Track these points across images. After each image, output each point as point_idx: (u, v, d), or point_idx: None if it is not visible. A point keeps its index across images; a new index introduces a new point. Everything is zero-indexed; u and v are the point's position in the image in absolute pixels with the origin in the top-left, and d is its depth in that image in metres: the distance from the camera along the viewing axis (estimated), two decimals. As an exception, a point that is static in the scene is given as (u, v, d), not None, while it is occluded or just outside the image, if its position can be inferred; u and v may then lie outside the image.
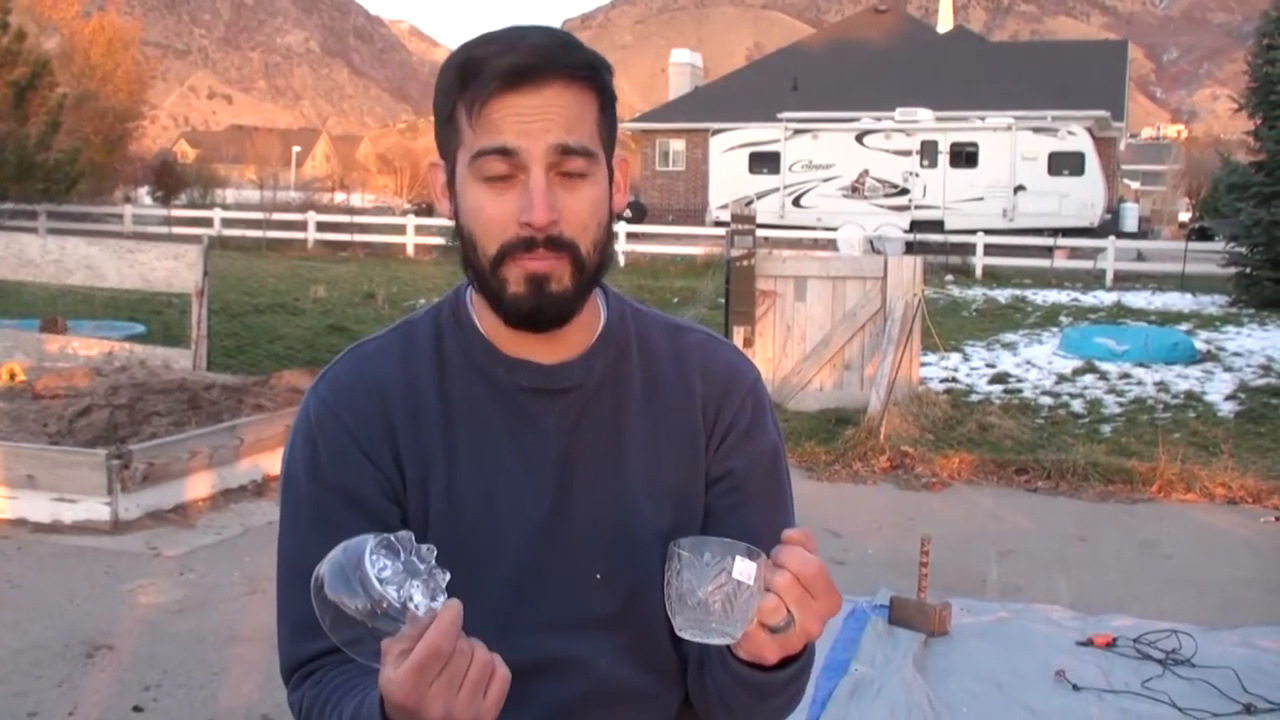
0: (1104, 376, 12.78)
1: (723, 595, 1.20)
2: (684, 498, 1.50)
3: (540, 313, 1.38)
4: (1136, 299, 22.58)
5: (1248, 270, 21.97)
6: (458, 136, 1.39)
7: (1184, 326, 17.25)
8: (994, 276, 27.00)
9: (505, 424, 1.45)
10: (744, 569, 1.21)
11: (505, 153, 1.34)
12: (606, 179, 1.42)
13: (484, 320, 1.48)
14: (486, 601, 1.40)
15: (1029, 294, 23.23)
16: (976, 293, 23.26)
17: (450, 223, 1.43)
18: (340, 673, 1.38)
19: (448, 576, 1.17)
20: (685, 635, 1.23)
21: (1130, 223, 36.75)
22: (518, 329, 1.42)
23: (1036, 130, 33.42)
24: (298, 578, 1.42)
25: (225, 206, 39.71)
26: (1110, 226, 32.66)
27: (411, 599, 1.13)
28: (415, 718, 1.14)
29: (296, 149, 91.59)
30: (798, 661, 1.33)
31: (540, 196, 1.33)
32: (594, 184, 1.39)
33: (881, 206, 33.89)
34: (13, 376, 9.65)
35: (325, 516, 1.42)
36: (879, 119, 35.29)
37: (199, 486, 7.56)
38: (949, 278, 25.97)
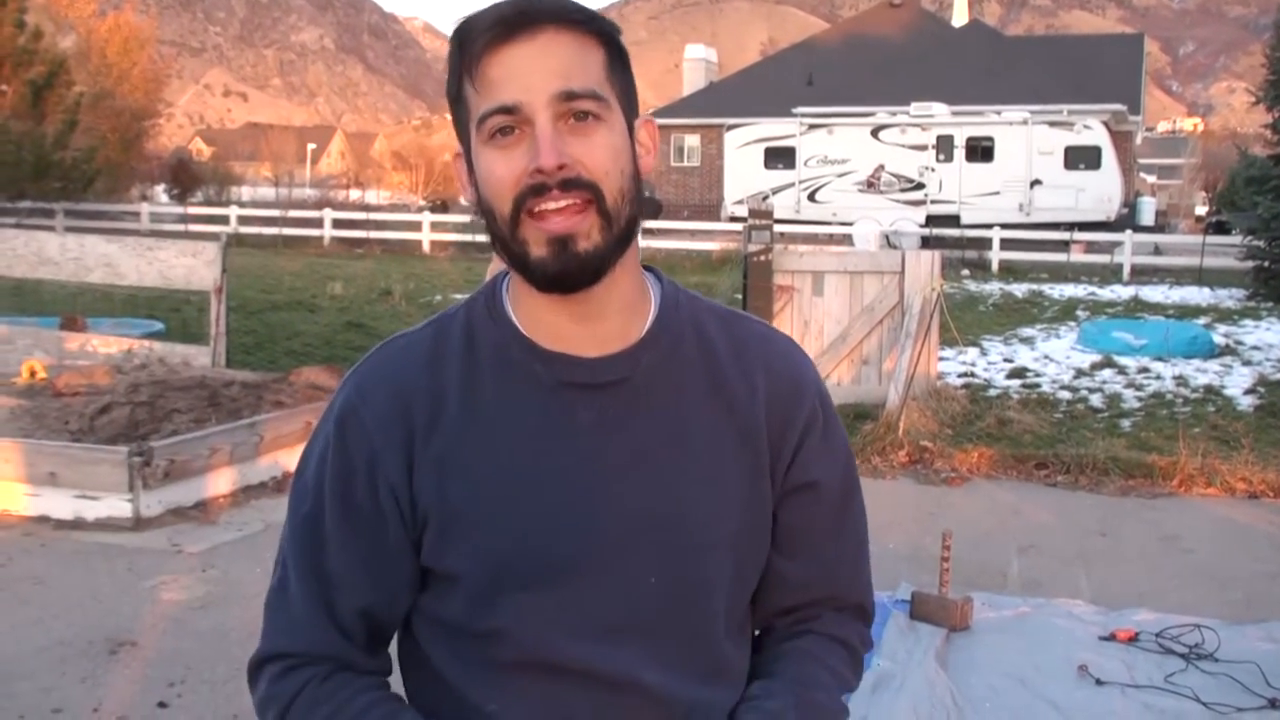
0: (1123, 371, 12.75)
1: None
2: (749, 499, 1.43)
3: (567, 275, 1.32)
4: (1154, 293, 22.51)
5: (1266, 264, 21.87)
6: (467, 109, 1.35)
7: (1202, 320, 17.20)
8: (1011, 271, 26.95)
9: (544, 421, 1.38)
10: None
11: (508, 110, 1.30)
12: (625, 130, 1.36)
13: (520, 312, 1.42)
14: (529, 606, 1.36)
15: (1046, 288, 23.17)
16: (993, 287, 23.22)
17: (469, 217, 1.38)
18: (348, 685, 1.39)
19: None
20: None
21: (1147, 217, 36.60)
22: (547, 292, 1.35)
23: (1052, 124, 33.31)
24: (288, 573, 1.44)
25: (241, 204, 39.80)
26: (1127, 220, 32.53)
27: None
28: None
29: (312, 146, 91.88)
30: None
31: (546, 141, 1.29)
32: (610, 129, 1.33)
33: (897, 201, 33.82)
34: (33, 374, 9.68)
35: (324, 518, 1.42)
36: (894, 114, 35.22)
37: (220, 483, 7.59)
38: (965, 272, 25.93)
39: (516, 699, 1.39)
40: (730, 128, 37.96)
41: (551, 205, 1.30)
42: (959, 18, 64.18)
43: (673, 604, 1.40)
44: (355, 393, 1.44)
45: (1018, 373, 12.68)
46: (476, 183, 1.37)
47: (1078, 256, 28.06)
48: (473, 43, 1.32)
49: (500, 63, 1.31)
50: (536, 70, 1.30)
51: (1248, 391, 11.69)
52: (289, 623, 1.42)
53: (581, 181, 1.30)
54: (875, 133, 34.67)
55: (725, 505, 1.42)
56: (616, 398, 1.40)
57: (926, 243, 28.24)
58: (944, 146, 33.93)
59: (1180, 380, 12.15)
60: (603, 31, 1.36)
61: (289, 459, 8.01)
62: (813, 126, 35.58)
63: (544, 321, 1.40)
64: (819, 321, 10.95)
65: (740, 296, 11.15)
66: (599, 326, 1.40)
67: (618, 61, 1.37)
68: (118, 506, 7.01)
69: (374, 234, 32.86)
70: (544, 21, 1.31)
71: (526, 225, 1.31)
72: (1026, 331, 16.27)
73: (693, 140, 44.44)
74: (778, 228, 13.80)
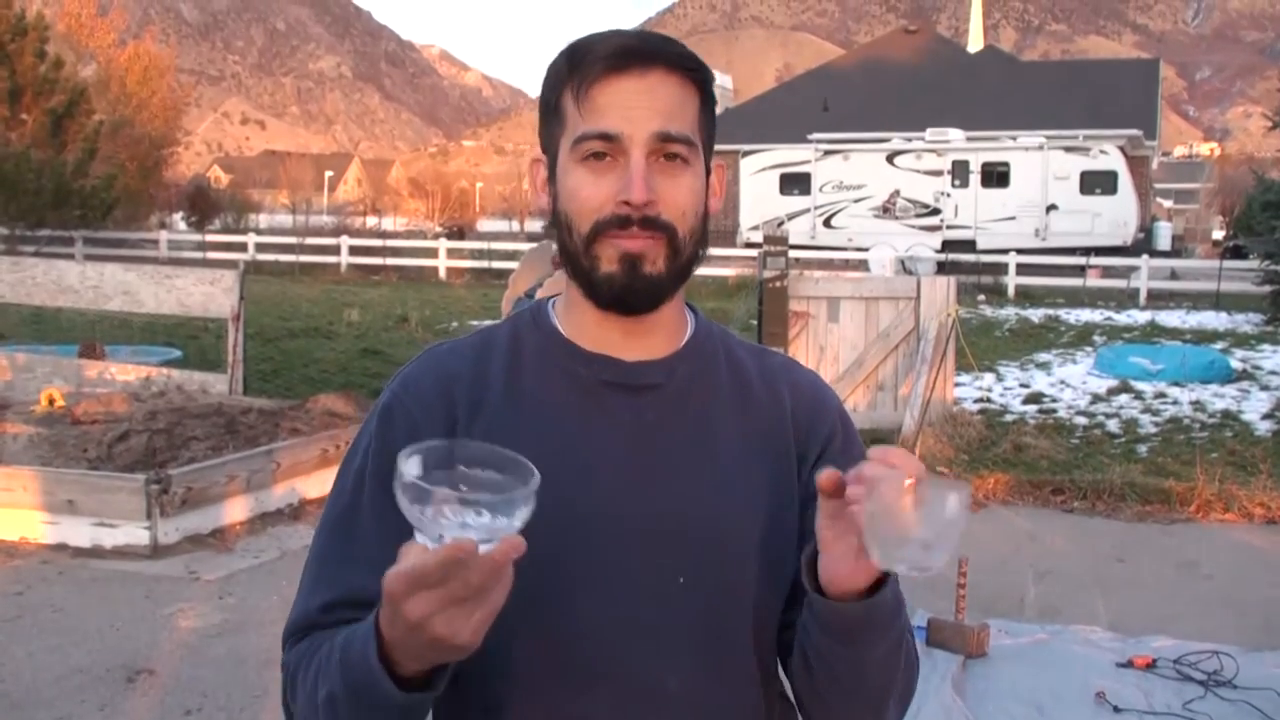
0: (1139, 396, 12.72)
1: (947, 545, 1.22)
2: (777, 507, 1.47)
3: (632, 292, 1.41)
4: (1171, 318, 22.46)
5: (1283, 288, 21.80)
6: (562, 124, 1.43)
7: (1219, 345, 17.15)
8: (1027, 296, 26.92)
9: (581, 417, 1.44)
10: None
11: (608, 138, 1.38)
12: (704, 174, 1.45)
13: (567, 323, 1.49)
14: (558, 601, 1.38)
15: (1062, 313, 23.14)
16: (1009, 312, 23.19)
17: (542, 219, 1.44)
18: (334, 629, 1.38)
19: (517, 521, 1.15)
20: (873, 556, 1.24)
21: (1163, 241, 36.53)
22: (608, 310, 1.44)
23: (1068, 149, 33.30)
24: (326, 558, 1.44)
25: (259, 231, 39.97)
26: (1143, 245, 32.47)
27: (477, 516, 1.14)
28: (397, 614, 1.14)
29: (329, 173, 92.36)
30: (883, 590, 1.34)
31: (639, 176, 1.37)
32: (694, 174, 1.42)
33: (913, 227, 33.81)
34: (52, 402, 9.72)
35: (363, 501, 1.43)
36: (910, 139, 35.25)
37: (237, 510, 7.61)
38: (981, 297, 25.90)
39: (536, 699, 1.40)
40: (746, 154, 37.98)
41: (631, 240, 1.39)
42: (974, 43, 64.44)
43: (703, 606, 1.43)
44: (400, 386, 1.50)
45: (1034, 398, 12.66)
46: (555, 193, 1.45)
47: (1094, 281, 28.02)
48: (587, 65, 1.40)
49: (609, 91, 1.39)
50: (642, 106, 1.38)
51: (1265, 416, 11.66)
52: (304, 606, 1.43)
53: (659, 222, 1.39)
54: (891, 158, 34.70)
55: (752, 509, 1.46)
56: (652, 402, 1.46)
57: (942, 268, 28.23)
58: (959, 172, 33.94)
59: (1197, 405, 12.11)
60: (704, 80, 1.45)
61: (306, 486, 8.04)
62: (828, 152, 35.64)
63: (590, 331, 1.47)
64: (834, 347, 10.96)
65: (756, 322, 11.16)
66: (642, 341, 1.47)
67: (709, 109, 1.47)
68: (135, 534, 7.04)
69: (390, 261, 33.02)
70: (658, 62, 1.40)
71: (603, 243, 1.40)
72: (1043, 357, 16.24)
73: (708, 166, 44.45)
74: (793, 253, 13.83)
